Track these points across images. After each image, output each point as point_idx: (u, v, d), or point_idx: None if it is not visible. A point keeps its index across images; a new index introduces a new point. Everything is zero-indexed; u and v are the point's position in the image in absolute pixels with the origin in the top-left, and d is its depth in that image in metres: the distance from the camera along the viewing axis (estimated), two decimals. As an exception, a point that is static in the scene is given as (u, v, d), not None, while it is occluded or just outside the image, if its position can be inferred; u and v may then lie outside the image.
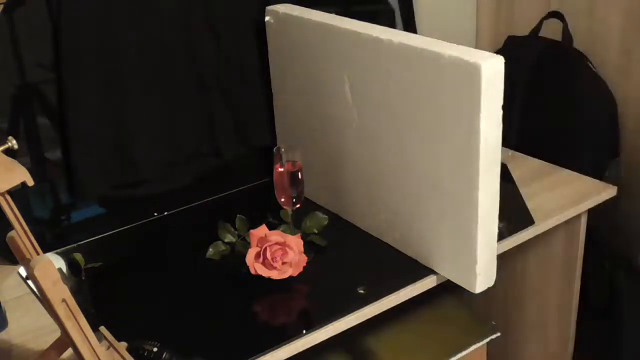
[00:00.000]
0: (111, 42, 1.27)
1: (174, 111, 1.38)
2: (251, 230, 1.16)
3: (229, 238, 1.25)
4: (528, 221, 1.32)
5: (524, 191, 1.41)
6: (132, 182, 1.37)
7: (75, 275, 1.19)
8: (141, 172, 1.37)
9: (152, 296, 1.16)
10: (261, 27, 1.41)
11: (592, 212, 1.46)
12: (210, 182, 1.47)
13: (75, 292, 1.06)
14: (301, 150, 1.24)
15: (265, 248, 1.13)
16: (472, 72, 0.97)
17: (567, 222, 1.40)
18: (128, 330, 1.01)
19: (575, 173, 1.49)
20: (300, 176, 1.23)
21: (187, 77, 1.38)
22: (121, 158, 1.34)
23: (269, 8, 1.38)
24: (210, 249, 1.23)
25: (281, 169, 1.23)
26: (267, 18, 1.39)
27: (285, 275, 1.13)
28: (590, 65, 1.63)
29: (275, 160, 1.23)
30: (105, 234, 1.33)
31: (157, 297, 1.15)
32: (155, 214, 1.39)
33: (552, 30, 1.68)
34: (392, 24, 1.63)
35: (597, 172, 1.61)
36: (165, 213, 1.40)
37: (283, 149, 1.23)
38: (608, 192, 1.44)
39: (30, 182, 0.73)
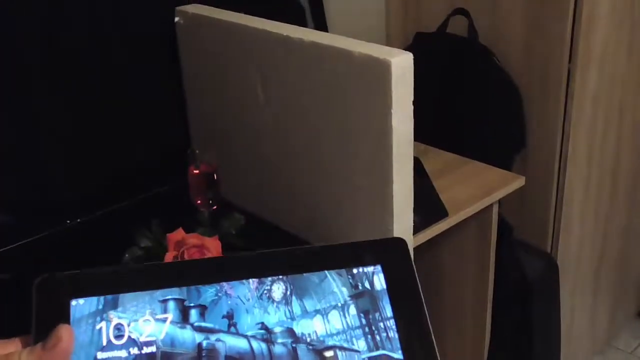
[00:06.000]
0: (14, 43, 1.23)
1: (84, 114, 1.35)
2: (168, 234, 1.14)
3: (145, 242, 1.22)
4: (442, 213, 1.35)
5: (437, 184, 1.44)
6: (40, 187, 1.33)
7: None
8: (50, 176, 1.32)
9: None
10: (171, 28, 1.39)
11: (503, 203, 1.51)
12: (124, 186, 1.44)
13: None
14: (217, 151, 1.23)
15: (183, 251, 1.11)
16: (382, 69, 0.99)
17: (479, 212, 1.44)
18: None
19: (486, 165, 1.54)
20: (215, 177, 1.22)
21: (95, 79, 1.35)
22: (28, 162, 1.29)
23: (178, 9, 1.36)
24: (126, 255, 1.21)
25: (196, 171, 1.21)
26: (176, 19, 1.37)
27: (205, 278, 1.12)
28: (495, 60, 1.68)
29: (190, 162, 1.21)
30: (13, 245, 1.29)
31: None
32: (68, 221, 1.35)
33: (459, 27, 1.72)
34: (303, 23, 1.64)
35: (505, 163, 1.67)
36: (79, 220, 1.36)
37: (197, 150, 1.22)
38: (517, 182, 1.49)
39: None
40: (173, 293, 0.46)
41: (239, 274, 0.47)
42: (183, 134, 1.49)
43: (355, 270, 0.48)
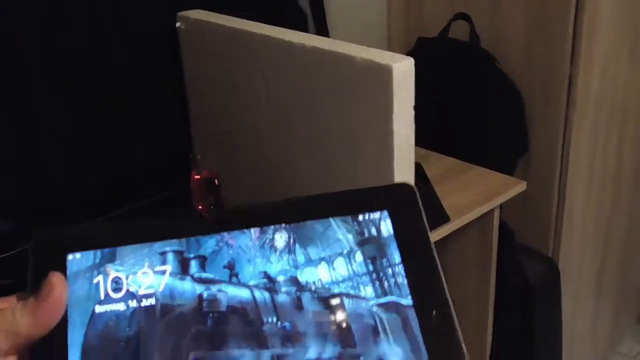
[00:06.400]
0: (15, 45, 1.23)
1: (85, 119, 1.35)
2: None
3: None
4: (444, 218, 1.35)
5: (438, 189, 1.44)
6: (41, 193, 1.33)
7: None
8: (50, 182, 1.33)
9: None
10: (173, 32, 1.39)
11: (504, 207, 1.51)
12: (125, 191, 1.44)
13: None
14: (219, 155, 1.23)
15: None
16: (383, 74, 0.99)
17: (480, 217, 1.44)
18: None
19: (487, 170, 1.54)
20: (217, 182, 1.22)
21: (97, 83, 1.35)
22: (28, 167, 1.29)
23: (180, 14, 1.36)
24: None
25: (197, 176, 1.22)
26: (178, 24, 1.37)
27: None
28: (497, 64, 1.68)
29: (192, 168, 1.22)
30: (14, 251, 1.28)
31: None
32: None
33: (460, 32, 1.72)
34: (304, 29, 1.64)
35: (507, 168, 1.67)
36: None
37: (199, 156, 1.22)
38: (518, 187, 1.49)
39: None
40: (172, 245, 0.45)
41: (240, 223, 0.46)
42: (185, 139, 1.49)
43: (360, 217, 0.47)
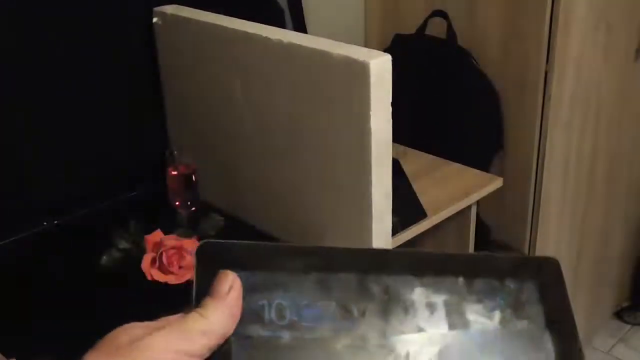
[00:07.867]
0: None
1: (60, 114, 1.33)
2: (146, 236, 1.14)
3: (123, 244, 1.22)
4: (421, 214, 1.36)
5: (416, 185, 1.45)
6: (15, 188, 1.31)
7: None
8: (27, 177, 1.31)
9: (44, 310, 1.11)
10: (149, 28, 1.38)
11: (481, 203, 1.52)
12: (102, 187, 1.43)
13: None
14: (196, 152, 1.23)
15: (161, 253, 1.11)
16: (360, 71, 0.99)
17: (457, 213, 1.45)
18: (18, 347, 0.96)
19: (464, 166, 1.55)
20: (194, 179, 1.21)
21: (72, 80, 1.34)
22: (5, 162, 1.28)
23: (156, 9, 1.36)
24: (104, 257, 1.20)
25: (174, 172, 1.21)
26: (154, 19, 1.36)
27: (184, 280, 1.12)
28: (473, 61, 1.69)
29: (168, 164, 1.21)
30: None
31: (49, 311, 1.11)
32: (45, 223, 1.34)
33: (437, 29, 1.73)
34: (282, 25, 1.64)
35: (483, 165, 1.68)
36: (56, 222, 1.35)
37: (176, 152, 1.21)
38: (495, 183, 1.50)
39: None
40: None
41: (409, 269, 0.46)
42: (162, 135, 1.48)
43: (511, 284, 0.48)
